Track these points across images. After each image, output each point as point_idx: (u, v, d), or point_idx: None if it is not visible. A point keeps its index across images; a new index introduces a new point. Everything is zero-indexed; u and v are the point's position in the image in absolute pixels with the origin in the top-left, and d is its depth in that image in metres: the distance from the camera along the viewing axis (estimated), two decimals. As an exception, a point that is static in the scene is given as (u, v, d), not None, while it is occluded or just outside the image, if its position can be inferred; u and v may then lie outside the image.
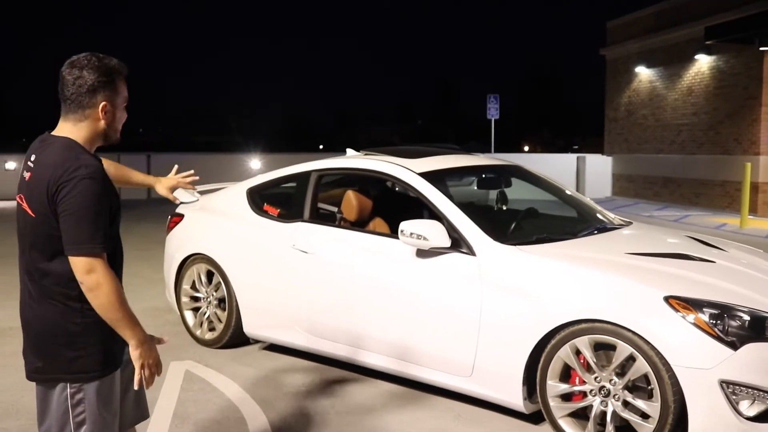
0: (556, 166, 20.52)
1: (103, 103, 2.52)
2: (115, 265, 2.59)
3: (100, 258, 2.41)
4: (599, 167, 21.37)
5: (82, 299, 2.47)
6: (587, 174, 21.04)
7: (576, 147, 53.07)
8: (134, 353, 2.47)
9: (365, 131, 74.21)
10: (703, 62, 17.24)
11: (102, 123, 2.55)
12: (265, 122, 77.46)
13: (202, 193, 6.27)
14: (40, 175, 2.46)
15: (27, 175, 2.52)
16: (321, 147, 50.93)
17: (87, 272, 2.39)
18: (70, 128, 2.54)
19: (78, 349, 2.51)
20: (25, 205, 2.51)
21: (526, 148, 60.94)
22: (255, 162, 20.52)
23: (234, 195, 5.77)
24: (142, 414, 2.90)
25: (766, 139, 15.56)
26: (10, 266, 4.97)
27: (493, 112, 20.91)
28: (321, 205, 5.40)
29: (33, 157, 2.53)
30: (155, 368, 2.54)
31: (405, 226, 4.31)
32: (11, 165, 18.96)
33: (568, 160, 22.02)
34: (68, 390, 2.53)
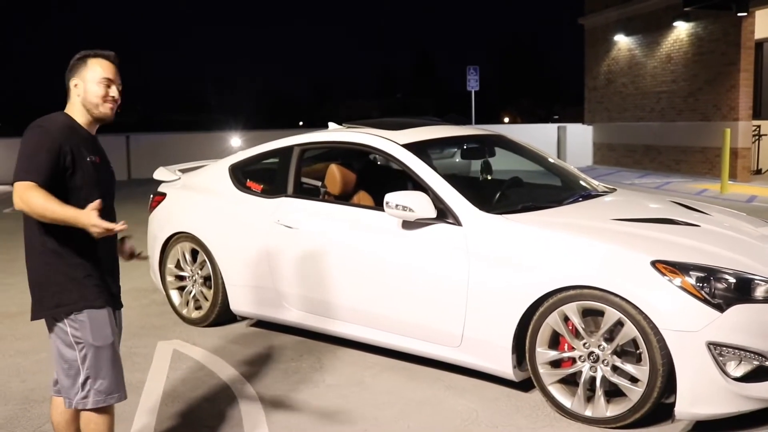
0: (537, 137, 20.50)
1: (75, 81, 2.96)
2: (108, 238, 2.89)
3: (30, 183, 2.70)
4: (580, 136, 21.41)
5: (54, 238, 2.85)
6: (568, 143, 21.08)
7: (556, 117, 53.12)
8: (86, 224, 2.67)
9: (345, 106, 73.84)
10: (682, 29, 17.25)
11: (77, 97, 2.96)
12: (245, 100, 76.77)
13: (183, 171, 6.21)
14: None
15: None
16: (301, 123, 50.60)
17: (18, 196, 2.71)
18: (68, 106, 3.00)
19: (60, 283, 2.88)
20: None
21: (506, 120, 60.91)
22: (235, 140, 20.36)
23: (216, 172, 5.72)
24: None
25: (744, 105, 15.63)
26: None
27: (473, 84, 20.84)
28: (304, 179, 5.36)
29: None
30: (109, 227, 2.68)
31: (390, 197, 4.29)
32: None
33: (549, 129, 22.04)
34: (67, 327, 2.89)
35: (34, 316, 2.96)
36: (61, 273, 2.88)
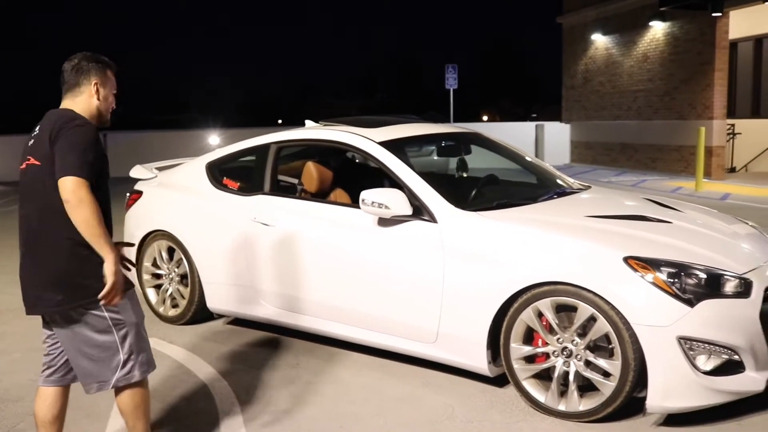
0: (515, 135, 20.59)
1: (95, 81, 3.10)
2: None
3: (85, 181, 2.84)
4: (558, 135, 21.55)
5: (73, 237, 2.92)
6: (546, 142, 21.21)
7: (534, 115, 53.33)
8: (110, 269, 2.89)
9: (325, 106, 73.66)
10: (658, 29, 17.42)
11: (95, 100, 3.11)
12: (225, 99, 76.40)
13: (160, 169, 6.19)
14: (42, 132, 2.99)
15: (31, 141, 3.05)
16: (280, 121, 50.46)
17: (73, 190, 2.81)
18: (69, 103, 3.10)
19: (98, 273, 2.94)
20: (32, 161, 3.00)
21: (485, 118, 61.07)
22: (214, 138, 20.29)
23: (193, 170, 5.71)
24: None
25: (719, 104, 15.82)
26: None
27: (451, 82, 20.91)
28: (281, 177, 5.36)
29: (38, 127, 3.07)
30: (122, 287, 2.97)
31: (366, 195, 4.31)
32: None
33: (527, 128, 22.14)
34: (106, 313, 3.03)
35: (62, 309, 3.00)
36: (95, 263, 2.93)
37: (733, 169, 17.32)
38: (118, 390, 3.17)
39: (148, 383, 3.28)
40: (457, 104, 21.89)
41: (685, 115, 16.69)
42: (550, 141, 21.30)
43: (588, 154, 20.79)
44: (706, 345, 3.59)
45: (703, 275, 3.71)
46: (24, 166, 3.05)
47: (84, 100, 3.09)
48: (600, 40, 19.80)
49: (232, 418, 3.97)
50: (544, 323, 3.88)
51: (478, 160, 5.93)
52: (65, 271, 2.98)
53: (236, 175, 5.51)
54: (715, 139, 15.75)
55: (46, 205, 2.96)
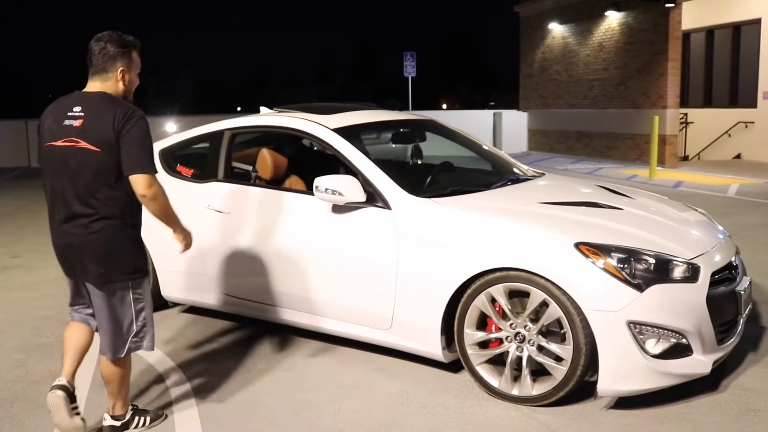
0: (473, 123, 20.68)
1: (121, 68, 3.31)
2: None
3: (155, 176, 3.26)
4: (515, 123, 21.71)
5: (133, 215, 3.37)
6: (504, 129, 21.30)
7: (492, 103, 53.68)
8: (179, 236, 3.53)
9: (284, 93, 73.17)
10: (613, 18, 17.62)
11: (120, 85, 3.33)
12: (182, 86, 75.31)
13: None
14: (99, 117, 3.19)
15: (77, 122, 3.22)
16: (239, 109, 49.92)
17: (149, 186, 3.21)
18: (99, 86, 3.31)
19: (133, 252, 3.39)
20: (83, 144, 3.19)
21: (444, 106, 61.27)
22: (170, 125, 20.00)
23: (146, 157, 5.61)
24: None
25: (672, 93, 16.09)
26: None
27: (409, 70, 20.91)
28: (235, 164, 5.31)
29: (78, 108, 3.25)
30: (190, 242, 3.61)
31: (320, 181, 4.29)
32: None
33: (485, 116, 22.21)
34: (130, 288, 3.39)
35: (108, 281, 3.32)
36: (139, 245, 3.43)
37: (686, 158, 17.65)
38: (114, 361, 3.46)
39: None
40: (416, 92, 21.92)
41: (640, 104, 16.94)
42: (507, 129, 21.41)
43: (545, 142, 21.00)
44: (655, 329, 3.66)
45: (652, 260, 3.77)
46: (62, 144, 3.24)
47: (112, 85, 3.30)
48: (557, 29, 19.98)
49: (185, 407, 3.93)
50: (498, 309, 3.91)
51: (435, 148, 5.95)
52: (116, 247, 3.30)
53: (190, 162, 5.44)
54: (668, 128, 16.02)
55: (93, 187, 3.23)
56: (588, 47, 18.73)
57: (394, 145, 5.98)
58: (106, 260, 3.30)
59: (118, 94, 3.32)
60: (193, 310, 5.58)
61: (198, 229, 4.97)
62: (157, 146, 5.60)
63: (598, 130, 18.54)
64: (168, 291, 5.35)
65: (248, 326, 5.21)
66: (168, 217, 3.38)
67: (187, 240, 3.54)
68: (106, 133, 3.17)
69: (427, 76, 60.64)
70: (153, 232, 5.24)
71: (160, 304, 5.53)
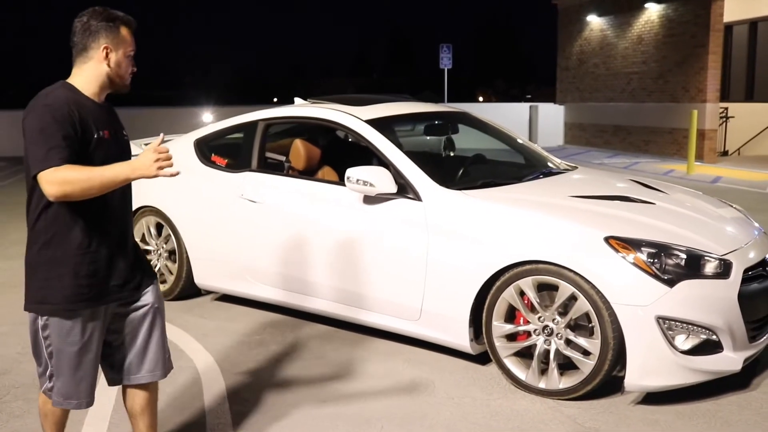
0: (509, 116, 20.59)
1: (105, 45, 2.65)
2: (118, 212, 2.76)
3: (54, 168, 2.44)
4: (551, 116, 21.53)
5: (45, 230, 2.61)
6: (540, 123, 21.19)
7: (529, 96, 53.23)
8: (134, 174, 2.49)
9: (320, 85, 73.40)
10: (653, 10, 17.37)
11: (104, 66, 2.67)
12: (220, 77, 75.98)
13: (147, 145, 6.18)
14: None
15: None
16: (275, 99, 50.23)
17: (49, 184, 2.44)
18: (74, 72, 2.69)
19: (42, 279, 2.63)
20: (107, 135, 2.68)
21: (481, 98, 60.95)
22: (207, 115, 20.22)
23: (181, 146, 5.70)
24: (153, 370, 2.91)
25: (712, 87, 15.82)
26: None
27: (446, 62, 20.85)
28: (269, 154, 5.37)
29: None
30: (160, 156, 2.49)
31: (351, 172, 4.33)
32: None
33: (521, 109, 22.11)
34: (39, 322, 2.68)
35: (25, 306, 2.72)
36: (52, 267, 2.63)
37: (725, 153, 17.36)
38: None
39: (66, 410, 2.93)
40: (453, 84, 21.83)
41: (679, 97, 16.69)
42: (543, 122, 21.28)
43: (581, 136, 20.80)
44: (685, 325, 3.64)
45: (683, 256, 3.74)
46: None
47: (92, 66, 2.66)
48: (595, 22, 19.74)
49: (215, 394, 4.00)
50: (526, 302, 3.92)
51: (468, 140, 5.94)
52: (26, 269, 2.71)
53: (224, 151, 5.52)
54: (707, 123, 15.77)
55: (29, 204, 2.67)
56: (626, 40, 18.48)
57: (428, 137, 5.99)
58: (25, 280, 2.70)
59: (102, 80, 2.67)
60: (226, 298, 5.66)
61: (230, 218, 5.09)
62: (193, 136, 5.69)
63: (635, 124, 18.31)
64: (201, 279, 5.44)
65: (280, 314, 5.27)
66: (96, 184, 2.47)
67: (141, 168, 2.48)
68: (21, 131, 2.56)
69: (464, 68, 60.41)
70: (187, 219, 5.39)
71: (194, 291, 5.63)
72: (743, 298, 3.76)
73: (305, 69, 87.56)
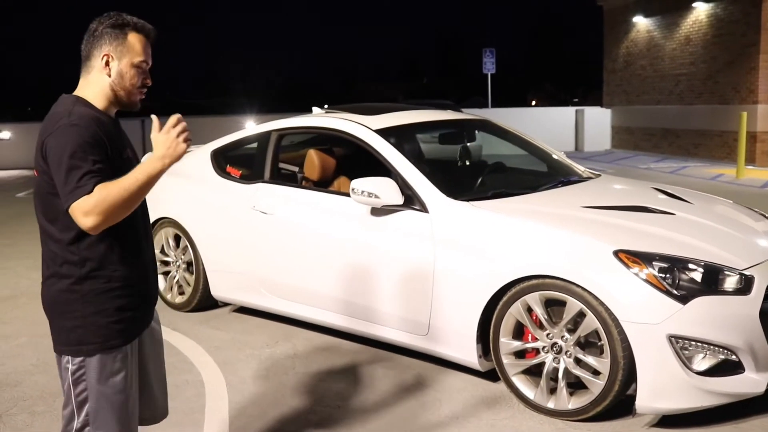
0: (555, 120, 20.28)
1: (106, 52, 2.34)
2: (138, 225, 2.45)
3: (88, 194, 2.16)
4: (598, 120, 21.12)
5: (81, 264, 2.31)
6: (586, 127, 20.79)
7: (576, 100, 52.36)
8: (166, 161, 2.22)
9: (370, 90, 73.59)
10: (701, 10, 16.89)
11: (105, 76, 2.35)
12: (269, 85, 76.69)
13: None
14: (40, 133, 2.30)
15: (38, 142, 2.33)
16: (326, 106, 50.61)
17: (84, 216, 2.16)
18: (80, 85, 2.39)
19: (76, 318, 2.33)
20: (37, 172, 2.34)
21: (534, 103, 60.28)
22: (250, 124, 20.38)
23: (199, 157, 5.69)
24: (155, 413, 2.79)
25: (764, 88, 15.29)
26: None
27: (489, 66, 20.64)
28: (282, 165, 5.31)
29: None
30: (177, 130, 2.23)
31: (356, 184, 4.23)
32: (5, 135, 18.87)
33: (567, 113, 21.72)
34: (70, 365, 2.35)
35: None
36: (96, 299, 2.35)
37: (778, 156, 16.75)
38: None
39: None
40: (503, 88, 21.60)
41: (729, 99, 16.18)
42: (590, 126, 20.86)
43: (629, 140, 20.34)
44: (701, 344, 3.43)
45: (699, 270, 3.54)
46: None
47: (95, 78, 2.36)
48: (641, 23, 19.31)
49: (217, 410, 3.94)
50: (534, 318, 3.76)
51: (496, 147, 5.79)
52: (49, 306, 2.46)
53: (240, 162, 5.48)
54: (759, 125, 15.24)
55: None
56: (674, 41, 18.02)
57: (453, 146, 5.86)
58: (50, 321, 2.42)
59: (107, 93, 2.37)
60: (244, 310, 5.61)
61: (244, 230, 5.05)
62: (210, 147, 5.67)
63: (684, 127, 17.81)
64: (217, 290, 5.40)
65: (294, 327, 5.20)
66: (139, 186, 2.20)
67: (168, 149, 2.21)
68: (37, 152, 2.29)
69: (513, 72, 59.80)
70: (203, 231, 5.37)
71: (212, 303, 5.61)
72: (765, 315, 3.53)
73: (354, 75, 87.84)
